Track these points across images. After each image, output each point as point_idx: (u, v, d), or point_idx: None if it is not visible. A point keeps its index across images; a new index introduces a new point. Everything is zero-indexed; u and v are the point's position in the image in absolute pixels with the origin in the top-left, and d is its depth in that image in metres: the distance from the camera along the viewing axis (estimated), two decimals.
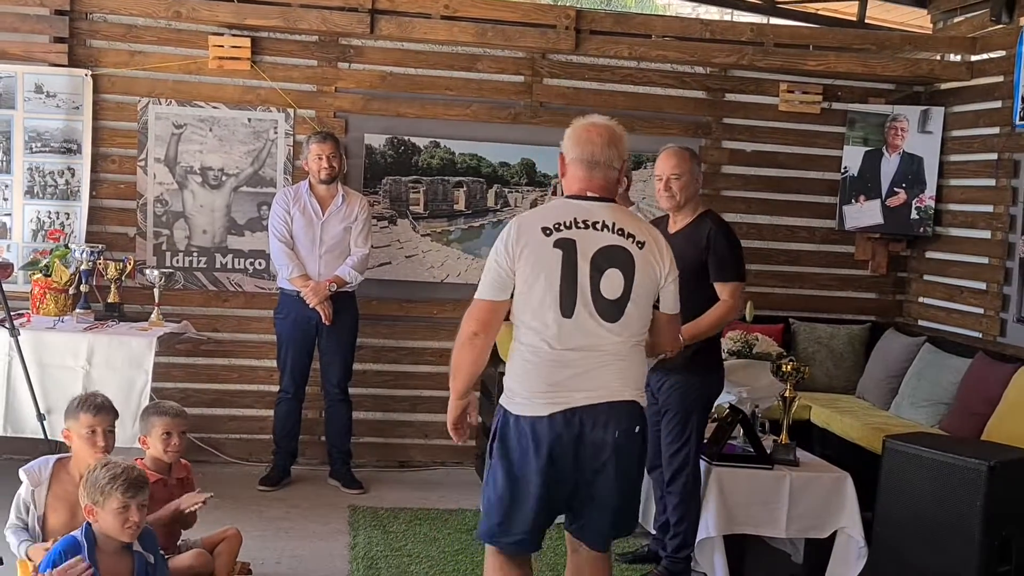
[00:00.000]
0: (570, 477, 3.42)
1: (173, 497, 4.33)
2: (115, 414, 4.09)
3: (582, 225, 3.42)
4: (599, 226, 3.43)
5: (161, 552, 3.85)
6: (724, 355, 5.22)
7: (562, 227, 3.40)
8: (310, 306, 5.89)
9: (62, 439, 4.21)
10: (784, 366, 5.03)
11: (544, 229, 3.40)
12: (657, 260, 3.49)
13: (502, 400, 3.50)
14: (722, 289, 4.65)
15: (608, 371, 3.42)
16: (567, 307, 3.37)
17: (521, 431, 3.40)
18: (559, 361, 3.39)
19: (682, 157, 4.73)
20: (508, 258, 3.40)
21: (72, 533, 3.61)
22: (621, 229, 3.45)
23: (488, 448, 3.54)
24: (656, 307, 3.53)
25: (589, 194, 3.50)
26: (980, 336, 6.38)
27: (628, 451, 3.44)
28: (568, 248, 3.38)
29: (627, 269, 3.42)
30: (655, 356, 3.79)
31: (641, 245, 3.45)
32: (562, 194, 3.63)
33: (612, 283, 3.40)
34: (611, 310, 3.40)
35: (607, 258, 3.41)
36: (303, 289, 5.90)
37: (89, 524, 3.58)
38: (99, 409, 4.02)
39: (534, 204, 6.73)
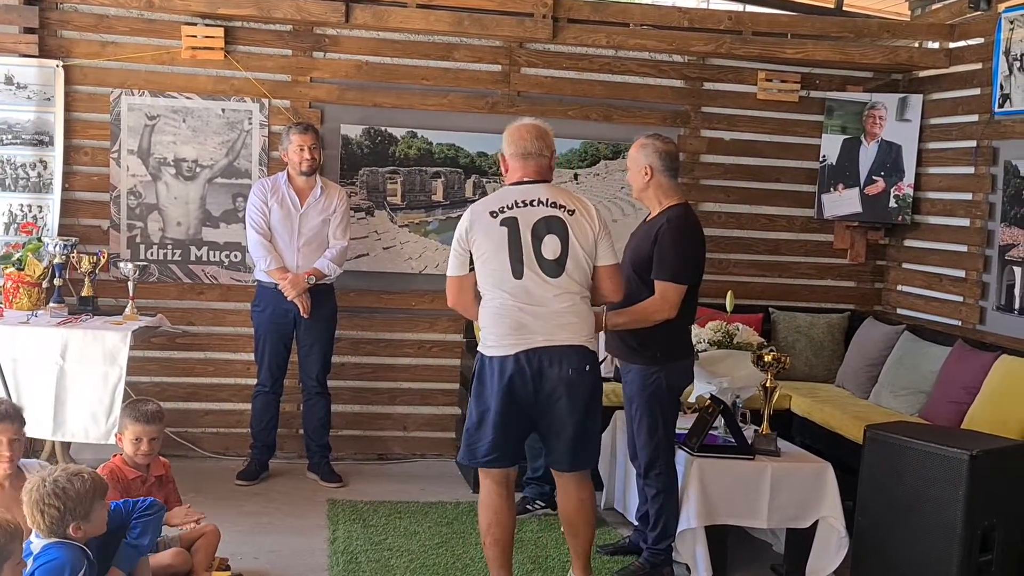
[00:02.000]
0: (530, 407, 4.17)
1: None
2: (21, 422, 3.93)
3: (521, 204, 4.20)
4: (535, 203, 4.21)
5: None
6: (704, 345, 5.21)
7: (505, 209, 4.19)
8: (288, 299, 5.83)
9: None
10: (765, 356, 5.01)
11: (491, 212, 4.20)
12: (588, 221, 4.25)
13: (479, 348, 4.26)
14: (656, 286, 4.60)
15: (560, 319, 4.16)
16: (517, 271, 4.15)
17: (491, 368, 4.16)
18: (519, 312, 4.14)
19: (635, 148, 4.76)
20: (465, 241, 4.21)
21: None
22: (554, 203, 4.23)
23: (470, 386, 4.28)
24: (595, 262, 4.27)
25: (525, 179, 4.29)
26: (960, 324, 6.39)
27: (580, 386, 4.18)
28: (511, 224, 4.16)
29: (562, 233, 4.19)
30: (599, 305, 4.45)
31: (571, 212, 4.22)
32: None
33: (551, 246, 4.17)
34: (553, 268, 4.17)
35: (545, 226, 4.18)
36: (281, 282, 5.83)
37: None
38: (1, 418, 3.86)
39: None
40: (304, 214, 5.93)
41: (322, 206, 5.97)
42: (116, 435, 4.38)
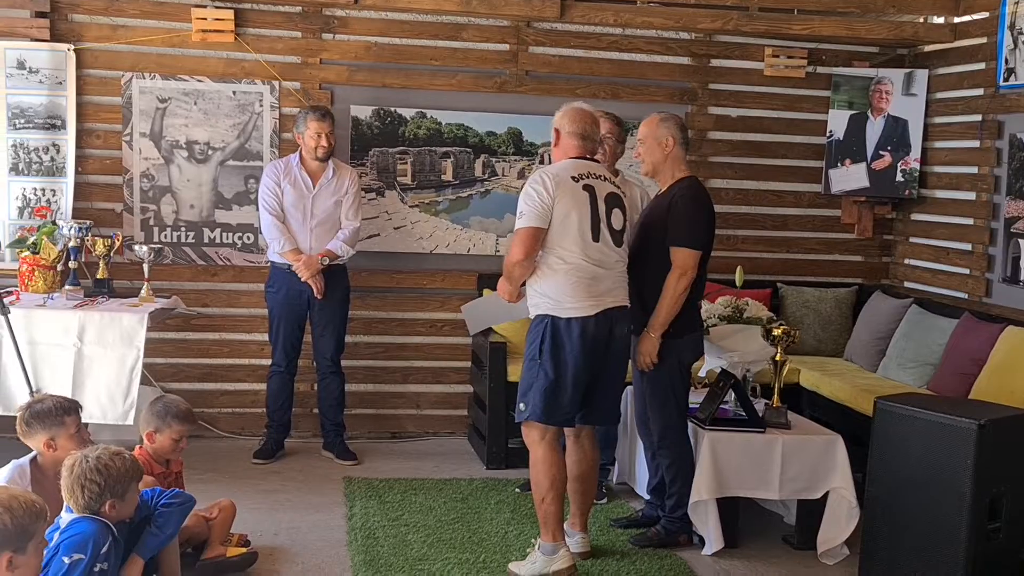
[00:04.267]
0: (597, 365, 4.47)
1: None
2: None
3: (595, 176, 4.52)
4: (603, 178, 4.56)
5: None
6: (714, 320, 5.27)
7: (584, 177, 4.47)
8: (302, 280, 5.89)
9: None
10: (775, 330, 5.06)
11: (573, 177, 4.45)
12: (632, 205, 4.77)
13: (547, 311, 4.44)
14: (673, 255, 4.70)
15: (620, 283, 4.55)
16: (595, 233, 4.43)
17: (570, 329, 4.40)
18: (594, 275, 4.43)
19: (647, 123, 4.89)
20: (549, 196, 4.38)
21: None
22: (613, 181, 4.63)
23: (538, 351, 4.45)
24: None
25: (586, 156, 4.57)
26: (966, 297, 6.43)
27: (629, 345, 4.66)
28: (591, 191, 4.46)
29: (623, 209, 4.56)
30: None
31: (624, 195, 4.65)
32: (551, 161, 4.87)
33: (616, 218, 4.52)
34: (617, 238, 4.53)
35: (612, 201, 4.52)
36: (295, 263, 5.89)
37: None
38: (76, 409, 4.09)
39: (522, 173, 6.73)
40: (316, 195, 5.98)
41: (334, 187, 6.02)
42: (147, 433, 4.42)
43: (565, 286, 4.41)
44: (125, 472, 3.57)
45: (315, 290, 5.91)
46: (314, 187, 5.98)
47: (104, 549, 3.48)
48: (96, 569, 3.44)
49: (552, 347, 4.42)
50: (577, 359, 4.40)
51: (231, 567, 4.39)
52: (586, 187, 4.44)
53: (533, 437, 4.54)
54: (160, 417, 4.36)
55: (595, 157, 4.66)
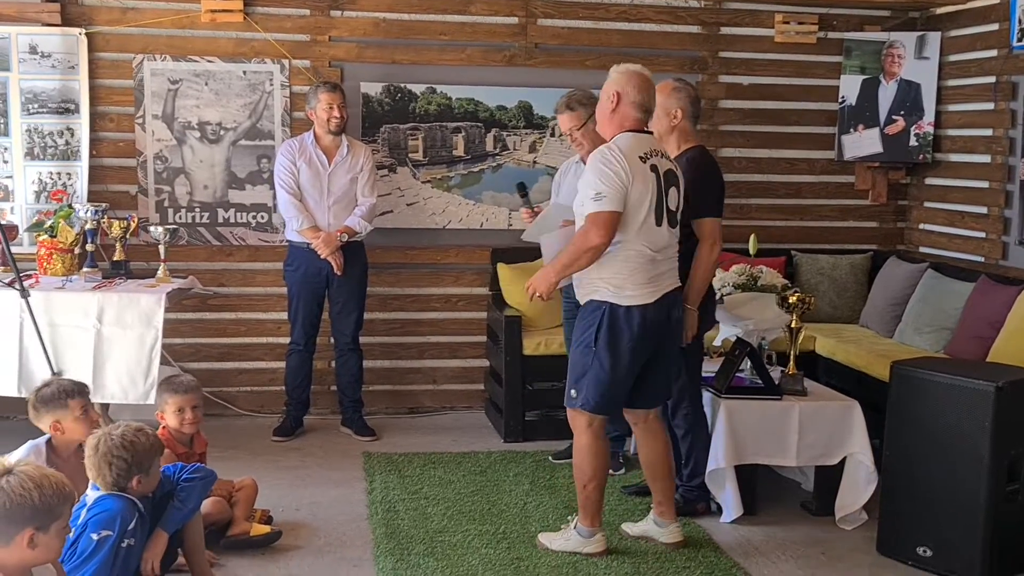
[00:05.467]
0: (651, 349, 4.34)
1: None
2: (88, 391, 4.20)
3: (656, 154, 4.30)
4: (661, 155, 4.33)
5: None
6: (729, 289, 5.28)
7: (650, 156, 4.24)
8: (321, 257, 5.91)
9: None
10: (790, 297, 5.06)
11: (640, 157, 4.21)
12: (682, 181, 4.44)
13: (606, 297, 4.27)
14: (701, 226, 4.68)
15: (673, 263, 4.41)
16: (659, 217, 4.25)
17: (630, 317, 4.25)
18: (654, 260, 4.27)
19: (659, 90, 4.64)
20: (627, 176, 4.14)
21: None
22: (668, 156, 4.41)
23: (593, 338, 4.29)
24: None
25: (645, 130, 4.35)
26: (982, 260, 6.41)
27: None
28: (656, 171, 4.24)
29: (679, 187, 4.38)
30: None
31: (679, 169, 4.43)
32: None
33: (672, 198, 4.33)
34: (674, 219, 4.35)
35: (671, 179, 4.33)
36: (314, 240, 5.91)
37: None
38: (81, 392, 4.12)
39: (532, 147, 6.73)
40: (333, 173, 6.00)
41: (349, 164, 6.03)
42: (158, 414, 4.47)
43: (624, 271, 4.24)
44: (150, 447, 3.63)
45: (335, 267, 5.94)
46: (330, 165, 6.00)
47: (132, 526, 3.53)
48: (124, 545, 3.50)
49: (609, 336, 4.27)
50: (635, 348, 4.28)
51: (255, 544, 4.43)
52: (652, 167, 4.23)
53: (580, 423, 4.42)
54: (159, 395, 4.43)
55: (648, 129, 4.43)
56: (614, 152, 4.18)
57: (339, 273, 5.96)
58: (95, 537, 3.45)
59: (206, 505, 4.24)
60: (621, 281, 4.25)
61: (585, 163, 5.27)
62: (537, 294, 4.37)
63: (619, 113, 4.30)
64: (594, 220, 4.17)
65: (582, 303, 4.42)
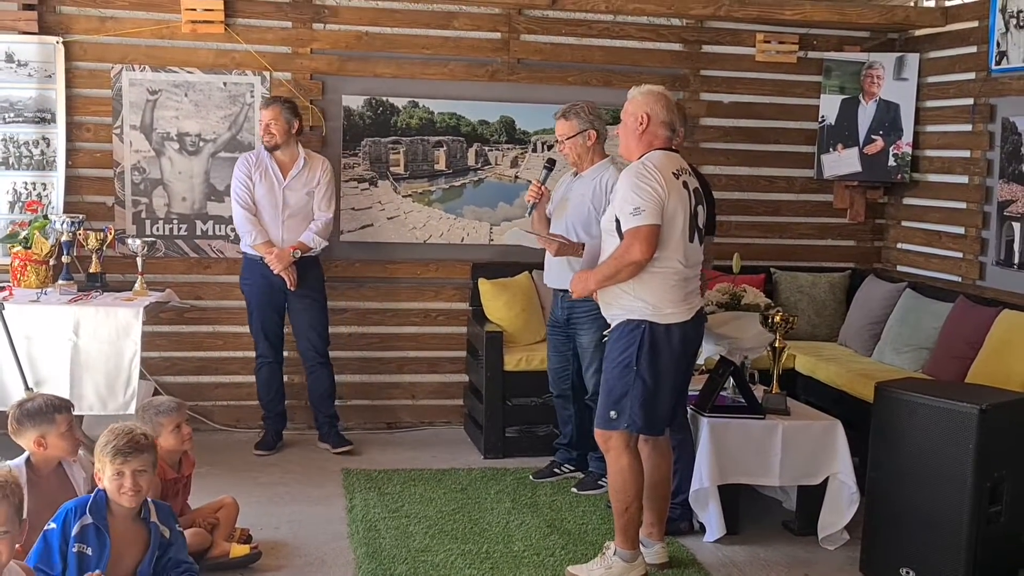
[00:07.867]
0: (692, 364, 4.51)
1: (179, 496, 4.45)
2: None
3: (686, 172, 4.36)
4: (689, 172, 4.40)
5: (178, 527, 3.86)
6: (712, 308, 5.27)
7: (681, 173, 4.30)
8: (275, 272, 5.86)
9: None
10: (774, 316, 5.07)
11: (674, 173, 4.26)
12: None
13: (644, 316, 4.25)
14: (707, 244, 4.67)
15: (699, 283, 4.48)
16: (691, 234, 4.30)
17: (669, 335, 4.27)
18: (687, 277, 4.32)
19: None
20: (664, 191, 4.17)
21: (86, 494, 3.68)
22: (695, 175, 4.55)
23: (634, 358, 4.25)
24: None
25: (672, 149, 4.41)
26: (960, 280, 6.45)
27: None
28: (688, 188, 4.30)
29: (702, 204, 4.43)
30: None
31: (702, 187, 4.51)
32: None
33: (701, 215, 4.39)
34: (699, 235, 4.40)
35: (698, 196, 4.39)
36: (267, 256, 5.85)
37: (103, 490, 3.60)
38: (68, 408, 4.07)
39: (514, 162, 6.72)
40: (287, 187, 5.94)
41: (305, 178, 5.98)
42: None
43: (662, 290, 4.25)
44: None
45: (288, 282, 5.88)
46: (284, 179, 5.94)
47: (80, 530, 3.49)
48: (75, 549, 3.45)
49: (651, 355, 4.25)
50: (678, 365, 4.32)
51: (235, 565, 4.37)
52: (684, 183, 4.28)
53: (619, 444, 4.36)
54: (150, 421, 4.35)
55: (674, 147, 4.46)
56: (649, 168, 4.22)
57: (292, 288, 5.90)
58: (47, 527, 3.50)
59: (188, 537, 4.18)
60: (660, 300, 4.25)
61: (578, 172, 5.34)
62: (581, 290, 4.47)
63: (649, 132, 4.35)
64: (635, 235, 4.16)
65: (612, 323, 4.38)
